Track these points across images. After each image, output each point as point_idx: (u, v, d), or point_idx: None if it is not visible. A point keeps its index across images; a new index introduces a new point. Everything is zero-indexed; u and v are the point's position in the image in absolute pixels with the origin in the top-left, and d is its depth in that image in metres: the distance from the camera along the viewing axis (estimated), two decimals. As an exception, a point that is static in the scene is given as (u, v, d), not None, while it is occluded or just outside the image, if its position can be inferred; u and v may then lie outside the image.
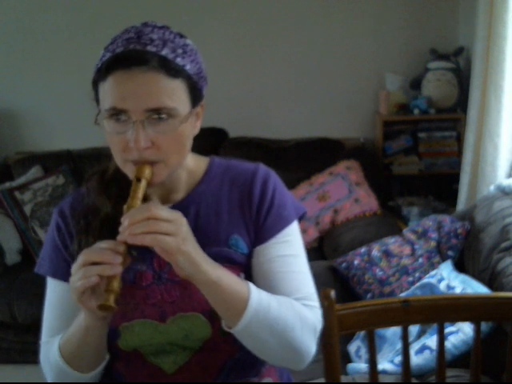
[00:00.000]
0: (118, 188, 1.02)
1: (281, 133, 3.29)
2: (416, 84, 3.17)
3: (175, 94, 0.90)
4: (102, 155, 3.52)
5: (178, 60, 0.91)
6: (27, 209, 2.93)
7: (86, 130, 3.41)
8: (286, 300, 0.96)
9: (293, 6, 3.25)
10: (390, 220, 2.76)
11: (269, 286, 0.97)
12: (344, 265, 2.13)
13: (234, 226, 1.01)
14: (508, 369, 1.12)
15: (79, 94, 3.43)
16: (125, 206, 0.88)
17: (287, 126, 3.34)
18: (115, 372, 1.05)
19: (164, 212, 0.85)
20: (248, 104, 3.35)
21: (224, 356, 1.02)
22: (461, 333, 1.59)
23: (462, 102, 2.99)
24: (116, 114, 0.89)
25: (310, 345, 0.97)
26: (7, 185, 3.02)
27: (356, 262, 2.10)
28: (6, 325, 2.70)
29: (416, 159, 3.16)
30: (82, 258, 0.85)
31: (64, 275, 0.98)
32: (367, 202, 2.80)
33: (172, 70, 0.90)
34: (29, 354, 2.66)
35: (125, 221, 0.84)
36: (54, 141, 3.42)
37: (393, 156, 3.18)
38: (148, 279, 1.00)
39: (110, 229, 0.92)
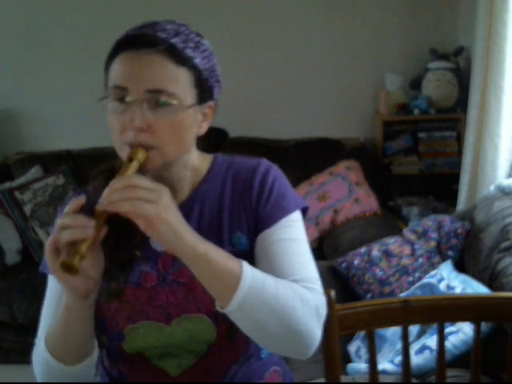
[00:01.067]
0: None
1: (281, 133, 3.29)
2: (416, 84, 3.17)
3: (178, 81, 0.91)
4: (102, 155, 3.53)
5: (188, 51, 0.92)
6: (27, 209, 2.93)
7: (86, 130, 3.44)
8: (284, 280, 0.91)
9: (293, 6, 3.25)
10: (390, 220, 2.76)
11: (268, 270, 0.93)
12: (344, 265, 2.13)
13: (237, 223, 1.00)
14: (508, 369, 1.12)
15: (79, 94, 3.44)
16: (117, 175, 0.87)
17: (287, 126, 3.34)
18: (119, 373, 1.04)
19: (145, 181, 0.83)
20: (248, 104, 3.35)
21: (228, 361, 1.01)
22: (461, 333, 1.59)
23: (462, 102, 2.99)
24: (120, 94, 0.90)
25: (313, 328, 0.90)
26: (7, 185, 3.02)
27: (356, 262, 2.10)
28: (6, 325, 2.70)
29: (416, 159, 3.16)
30: (57, 224, 0.84)
31: None
32: (367, 202, 2.80)
33: (179, 57, 0.91)
34: (29, 354, 2.65)
35: (105, 191, 0.82)
36: (54, 141, 3.42)
37: (393, 156, 3.18)
38: (152, 280, 0.99)
39: (116, 227, 0.90)
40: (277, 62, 3.32)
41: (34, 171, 3.15)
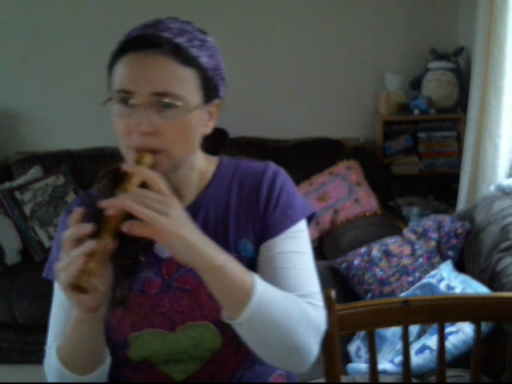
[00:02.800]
0: None
1: (281, 133, 3.29)
2: (416, 84, 3.17)
3: (184, 82, 0.89)
4: (102, 155, 3.51)
5: (193, 50, 0.90)
6: (27, 209, 2.93)
7: (86, 130, 3.44)
8: (291, 295, 0.91)
9: (293, 6, 3.25)
10: (389, 220, 2.76)
11: (271, 282, 0.92)
12: (344, 265, 2.13)
13: (242, 230, 0.98)
14: (508, 369, 1.12)
15: (79, 94, 3.44)
16: (118, 191, 0.84)
17: (287, 126, 3.34)
18: (124, 377, 1.03)
19: (155, 195, 0.81)
20: (248, 104, 3.35)
21: (233, 366, 1.00)
22: (461, 333, 1.59)
23: (461, 102, 2.99)
24: (124, 97, 0.88)
25: (313, 345, 0.91)
26: (7, 185, 3.02)
27: (356, 262, 2.10)
28: (6, 325, 2.70)
29: (416, 159, 3.16)
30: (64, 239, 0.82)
31: None
32: (367, 201, 2.80)
33: (184, 57, 0.89)
34: (29, 354, 2.66)
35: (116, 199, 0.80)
36: (54, 141, 3.42)
37: (393, 156, 3.18)
38: (156, 287, 0.97)
39: (120, 233, 0.86)
40: (277, 62, 3.32)
41: (34, 171, 3.14)
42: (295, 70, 3.32)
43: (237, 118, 3.32)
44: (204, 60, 0.92)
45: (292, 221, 0.98)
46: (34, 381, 2.35)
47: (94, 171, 3.16)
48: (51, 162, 3.22)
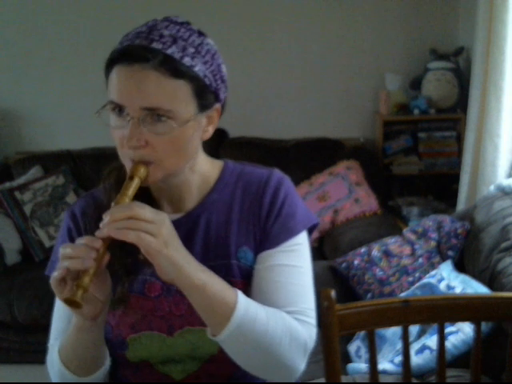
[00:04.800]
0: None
1: (281, 133, 3.29)
2: (416, 84, 3.17)
3: (175, 96, 0.87)
4: (102, 155, 3.51)
5: (186, 60, 0.88)
6: (27, 209, 2.93)
7: (86, 130, 3.44)
8: (276, 312, 0.92)
9: (293, 6, 3.25)
10: (390, 220, 2.76)
11: (263, 296, 0.93)
12: (344, 265, 2.13)
13: (244, 237, 0.98)
14: (508, 369, 1.12)
15: (79, 95, 3.44)
16: (113, 203, 0.86)
17: (287, 126, 3.34)
18: (123, 378, 1.04)
19: (147, 212, 0.83)
20: (248, 104, 3.35)
21: (232, 367, 0.99)
22: (461, 333, 1.59)
23: (462, 102, 2.99)
24: (117, 108, 0.89)
25: (298, 362, 0.93)
26: (7, 185, 3.02)
27: (356, 262, 2.10)
28: (6, 325, 2.70)
29: (416, 159, 3.16)
30: (60, 252, 0.84)
31: None
32: (367, 202, 2.80)
33: (175, 69, 0.87)
34: (29, 354, 2.66)
35: (106, 217, 0.82)
36: (54, 141, 3.42)
37: (393, 156, 3.18)
38: (156, 290, 0.98)
39: None
40: (277, 62, 3.32)
41: (34, 171, 3.14)
42: (295, 70, 3.32)
43: (237, 118, 3.32)
44: (199, 68, 0.89)
45: (292, 233, 0.98)
46: (34, 381, 2.35)
47: (94, 171, 3.16)
48: (51, 161, 3.22)
